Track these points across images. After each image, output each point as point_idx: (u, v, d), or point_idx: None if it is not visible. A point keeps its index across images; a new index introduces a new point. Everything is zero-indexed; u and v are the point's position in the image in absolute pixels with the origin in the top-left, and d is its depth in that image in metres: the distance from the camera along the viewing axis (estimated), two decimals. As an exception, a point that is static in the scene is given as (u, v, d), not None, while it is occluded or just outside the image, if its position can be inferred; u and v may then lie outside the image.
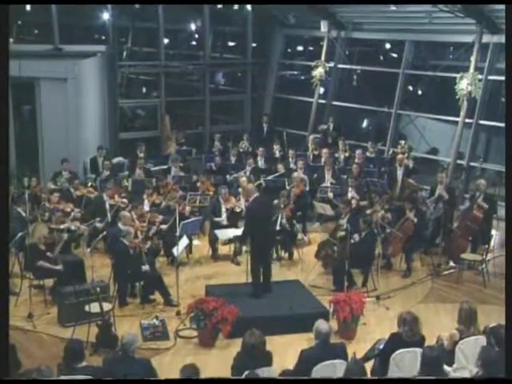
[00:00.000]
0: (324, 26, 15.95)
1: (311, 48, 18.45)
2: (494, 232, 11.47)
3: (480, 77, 13.54)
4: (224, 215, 11.56)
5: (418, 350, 6.11)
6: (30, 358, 7.45)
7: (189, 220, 10.72)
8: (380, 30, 15.77)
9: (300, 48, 18.85)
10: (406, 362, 6.30)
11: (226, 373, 6.54)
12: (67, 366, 5.97)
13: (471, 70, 13.47)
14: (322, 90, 16.79)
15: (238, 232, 10.35)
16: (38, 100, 14.63)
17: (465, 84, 13.35)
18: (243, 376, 5.78)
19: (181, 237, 9.93)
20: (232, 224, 11.36)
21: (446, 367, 5.99)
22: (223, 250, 11.54)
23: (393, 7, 13.50)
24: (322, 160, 13.91)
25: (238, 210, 11.55)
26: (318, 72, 16.13)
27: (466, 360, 6.31)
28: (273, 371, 6.17)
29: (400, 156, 13.00)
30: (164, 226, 10.83)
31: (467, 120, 13.96)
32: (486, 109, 14.03)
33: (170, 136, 15.73)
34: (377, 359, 6.71)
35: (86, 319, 8.21)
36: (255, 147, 14.99)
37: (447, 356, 6.23)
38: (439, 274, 10.79)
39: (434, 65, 15.26)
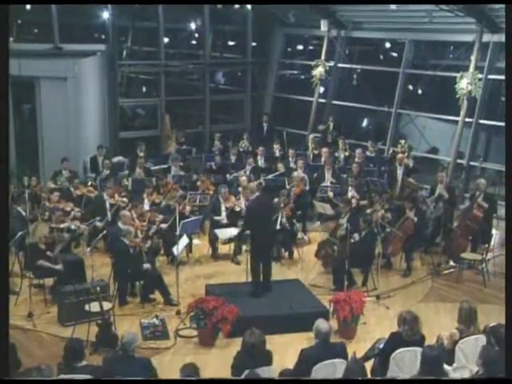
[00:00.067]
0: (324, 25, 15.94)
1: (311, 47, 18.45)
2: (494, 231, 11.46)
3: (480, 76, 13.54)
4: (224, 214, 11.57)
5: (418, 350, 6.11)
6: (30, 357, 7.45)
7: (189, 219, 10.72)
8: (380, 29, 15.77)
9: (300, 47, 18.84)
10: (406, 361, 6.30)
11: (226, 372, 6.54)
12: (67, 365, 5.97)
13: (471, 69, 13.47)
14: (322, 90, 16.79)
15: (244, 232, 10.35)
16: (38, 99, 14.64)
17: (465, 83, 13.35)
18: (243, 375, 5.78)
19: (181, 236, 9.94)
20: (232, 223, 11.36)
21: (446, 366, 5.99)
22: (223, 249, 11.54)
23: (393, 6, 13.50)
24: (322, 159, 13.91)
25: (237, 209, 11.56)
26: (318, 71, 16.13)
27: (466, 359, 6.31)
28: (273, 370, 6.17)
29: (400, 155, 13.00)
30: (164, 225, 10.83)
31: (467, 119, 13.96)
32: (486, 108, 14.03)
33: (170, 135, 15.72)
34: (377, 358, 6.71)
35: (86, 318, 8.22)
36: (255, 146, 14.99)
37: (447, 355, 6.23)
38: (439, 274, 10.79)
39: (434, 64, 15.25)
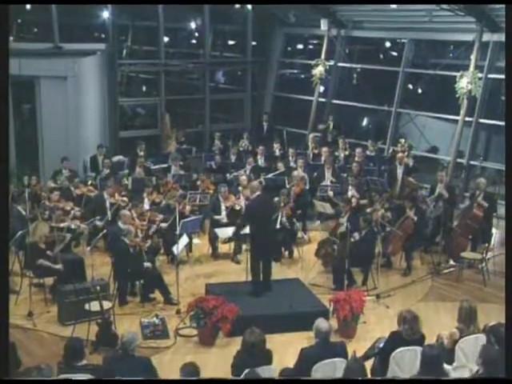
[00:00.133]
0: (324, 25, 15.93)
1: (311, 46, 18.44)
2: (494, 230, 11.46)
3: (480, 75, 13.53)
4: (224, 213, 11.58)
5: (418, 349, 6.11)
6: (30, 357, 7.46)
7: (189, 218, 10.72)
8: (380, 29, 15.76)
9: (300, 46, 18.84)
10: (406, 360, 6.31)
11: (226, 371, 6.55)
12: (67, 365, 5.97)
13: (471, 68, 13.46)
14: (322, 89, 16.78)
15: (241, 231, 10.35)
16: (38, 98, 14.63)
17: (465, 82, 13.34)
18: (243, 374, 5.78)
19: (181, 235, 9.94)
20: (231, 222, 11.36)
21: (445, 366, 5.98)
22: (223, 248, 11.54)
23: (393, 6, 13.49)
24: (322, 158, 13.91)
25: (237, 208, 11.57)
26: (318, 70, 16.12)
27: (466, 358, 6.32)
28: (273, 370, 6.17)
29: (400, 154, 13.00)
30: (164, 225, 10.83)
31: (467, 118, 13.95)
32: (486, 107, 14.03)
33: (170, 134, 15.72)
34: (377, 358, 6.72)
35: (86, 317, 8.22)
36: (255, 146, 14.98)
37: (447, 354, 6.24)
38: (439, 273, 10.79)
39: (434, 63, 15.24)
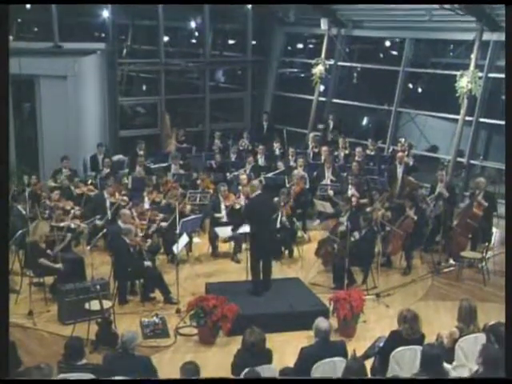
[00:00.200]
0: (324, 24, 15.94)
1: (311, 45, 18.44)
2: (494, 230, 11.46)
3: (480, 74, 13.54)
4: (224, 212, 11.59)
5: (418, 348, 6.12)
6: (30, 356, 7.46)
7: (189, 218, 10.71)
8: (380, 28, 15.77)
9: (300, 45, 18.84)
10: (406, 359, 6.31)
11: (226, 370, 6.55)
12: (67, 364, 5.98)
13: (471, 67, 13.46)
14: (322, 88, 16.78)
15: (239, 230, 10.34)
16: (38, 98, 14.64)
17: (465, 82, 13.34)
18: (243, 373, 5.78)
19: (181, 234, 9.94)
20: (231, 221, 11.36)
21: (445, 365, 5.99)
22: (223, 247, 11.55)
23: (393, 5, 13.49)
24: (322, 158, 13.91)
25: (237, 207, 11.57)
26: (318, 70, 16.12)
27: (466, 358, 6.31)
28: (273, 369, 6.18)
29: (400, 154, 13.00)
30: (164, 224, 10.84)
31: (467, 118, 13.96)
32: (486, 107, 14.04)
33: (170, 134, 15.72)
34: (377, 357, 6.72)
35: (86, 317, 8.21)
36: (255, 145, 14.99)
37: (447, 354, 6.23)
38: (439, 272, 10.79)
39: (434, 62, 15.24)
